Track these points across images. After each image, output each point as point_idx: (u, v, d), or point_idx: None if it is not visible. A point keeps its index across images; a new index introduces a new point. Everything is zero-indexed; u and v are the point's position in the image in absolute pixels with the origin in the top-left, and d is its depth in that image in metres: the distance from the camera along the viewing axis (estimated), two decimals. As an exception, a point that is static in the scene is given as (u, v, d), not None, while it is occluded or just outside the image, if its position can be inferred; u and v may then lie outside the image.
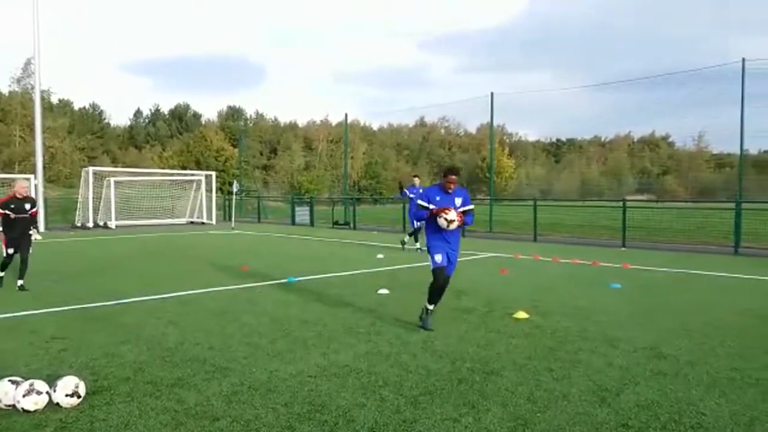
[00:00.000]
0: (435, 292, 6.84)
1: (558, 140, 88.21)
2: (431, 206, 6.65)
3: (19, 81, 50.04)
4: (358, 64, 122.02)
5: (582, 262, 13.34)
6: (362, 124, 72.98)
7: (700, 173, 68.92)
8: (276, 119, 77.23)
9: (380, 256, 14.47)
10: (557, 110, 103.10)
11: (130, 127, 73.21)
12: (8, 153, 47.37)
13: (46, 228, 24.00)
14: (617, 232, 17.97)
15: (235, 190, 28.03)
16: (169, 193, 31.66)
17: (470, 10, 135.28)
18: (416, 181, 16.20)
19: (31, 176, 23.37)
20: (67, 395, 4.36)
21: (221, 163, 56.32)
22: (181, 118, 71.69)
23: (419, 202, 6.80)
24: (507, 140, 77.81)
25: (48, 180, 37.94)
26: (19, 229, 9.57)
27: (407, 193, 15.70)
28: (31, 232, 9.78)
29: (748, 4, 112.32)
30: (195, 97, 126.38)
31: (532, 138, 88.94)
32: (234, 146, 57.91)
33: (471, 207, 6.81)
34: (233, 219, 27.52)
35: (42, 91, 31.06)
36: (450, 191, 6.69)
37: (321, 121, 74.80)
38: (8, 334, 6.62)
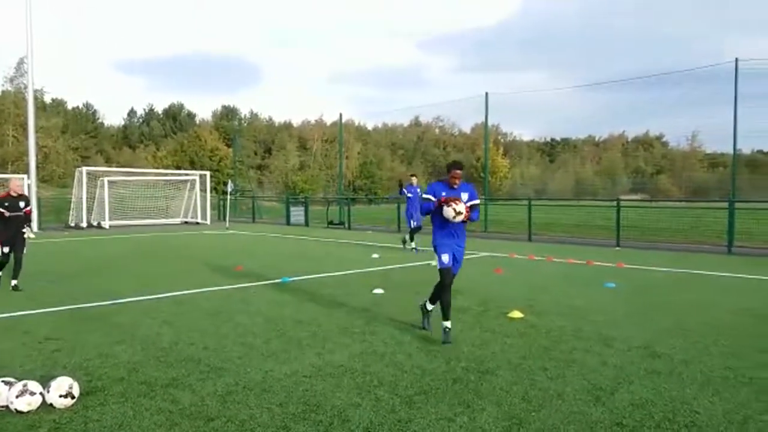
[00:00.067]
0: (440, 292, 6.52)
1: (552, 140, 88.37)
2: (442, 195, 6.33)
3: (12, 80, 49.81)
4: (353, 64, 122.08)
5: (576, 261, 13.38)
6: (357, 123, 73.02)
7: (693, 173, 69.21)
8: (270, 119, 77.13)
9: (375, 255, 14.47)
10: (551, 110, 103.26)
11: (124, 126, 72.93)
12: (1, 153, 47.11)
13: (40, 228, 23.90)
14: (612, 232, 18.02)
15: (229, 190, 27.98)
16: (164, 193, 31.59)
17: (465, 10, 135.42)
18: (413, 180, 16.24)
19: (24, 176, 23.25)
20: (60, 396, 4.34)
21: (216, 162, 56.19)
22: (176, 118, 71.46)
23: (425, 195, 6.49)
24: (501, 140, 77.85)
25: (41, 180, 37.82)
26: (13, 227, 9.53)
27: (405, 192, 15.73)
28: (24, 230, 9.74)
29: (742, 4, 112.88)
30: (189, 97, 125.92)
31: (526, 138, 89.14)
32: (228, 146, 57.77)
33: (477, 202, 6.60)
34: (228, 219, 27.47)
35: (35, 91, 30.97)
36: (455, 186, 6.46)
37: (316, 120, 74.76)
38: (2, 335, 6.59)
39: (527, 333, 6.64)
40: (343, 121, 32.59)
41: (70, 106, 65.02)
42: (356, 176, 64.58)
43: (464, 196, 6.45)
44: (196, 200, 30.39)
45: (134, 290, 9.36)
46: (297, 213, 29.17)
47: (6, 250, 9.54)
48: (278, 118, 79.02)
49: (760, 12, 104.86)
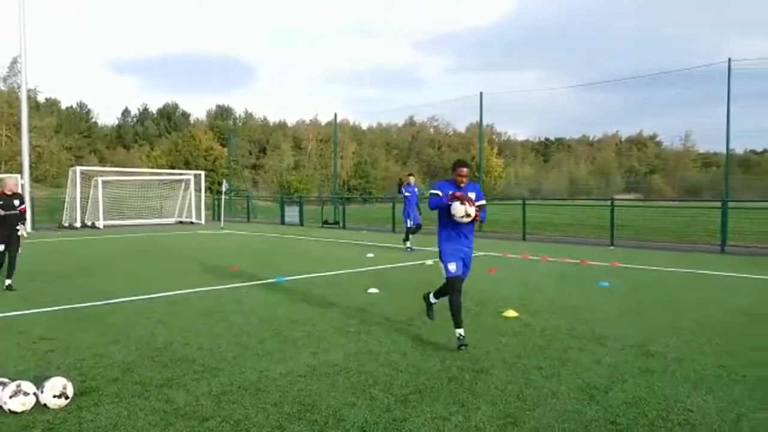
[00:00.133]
0: (449, 298, 6.14)
1: (546, 139, 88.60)
2: (452, 193, 5.96)
3: (5, 80, 49.48)
4: (348, 64, 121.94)
5: (571, 260, 13.41)
6: (351, 123, 72.93)
7: (686, 172, 69.52)
8: (265, 118, 76.93)
9: (370, 255, 14.48)
10: (546, 110, 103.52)
11: (118, 126, 72.61)
12: (-6, 152, 46.91)
13: (33, 228, 23.76)
14: (605, 231, 18.07)
15: (224, 189, 27.93)
16: (158, 192, 31.48)
17: (459, 10, 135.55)
18: (411, 179, 16.28)
19: (18, 176, 23.10)
20: (54, 396, 4.33)
21: (210, 162, 56.03)
22: (170, 118, 71.21)
23: (433, 191, 6.17)
24: (496, 139, 77.98)
25: (35, 180, 37.56)
26: (8, 226, 9.51)
27: (403, 191, 15.76)
28: (18, 227, 9.70)
29: (735, 4, 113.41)
30: (183, 97, 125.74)
31: (520, 137, 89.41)
32: (223, 146, 57.64)
33: (484, 202, 6.29)
34: (222, 219, 27.41)
35: (28, 90, 30.78)
36: (462, 185, 6.11)
37: (310, 120, 74.64)
38: (-5, 335, 6.56)
39: (522, 332, 6.66)
40: (338, 120, 32.57)
41: (63, 106, 64.72)
42: (351, 176, 64.56)
43: (471, 196, 6.12)
44: (190, 200, 30.32)
45: (128, 290, 9.33)
46: (292, 213, 29.13)
47: (1, 248, 9.50)
48: (273, 118, 78.94)
49: (754, 12, 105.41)
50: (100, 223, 26.01)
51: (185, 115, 73.24)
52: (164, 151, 59.81)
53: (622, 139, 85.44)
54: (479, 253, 14.89)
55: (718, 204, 17.01)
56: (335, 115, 31.96)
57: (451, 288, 6.12)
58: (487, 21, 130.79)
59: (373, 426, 4.05)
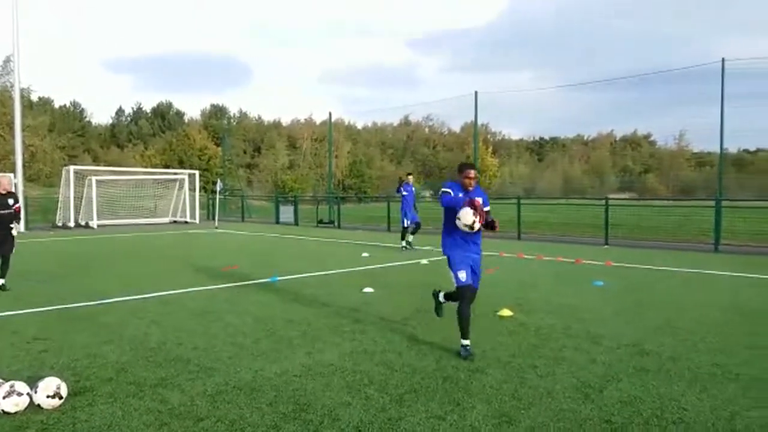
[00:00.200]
0: (458, 306, 5.83)
1: (541, 139, 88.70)
2: (471, 199, 5.65)
3: (-2, 79, 49.28)
4: (343, 63, 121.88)
5: (565, 259, 13.44)
6: (346, 122, 72.90)
7: (680, 172, 69.78)
8: (260, 118, 76.85)
9: (365, 254, 14.47)
10: (540, 109, 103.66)
11: (112, 125, 72.37)
12: (-13, 152, 46.65)
13: (27, 228, 23.66)
14: (600, 230, 18.12)
15: (218, 189, 27.87)
16: (152, 192, 31.38)
17: (455, 10, 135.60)
18: (410, 178, 16.33)
19: (11, 175, 23.00)
20: (48, 396, 4.31)
21: (204, 161, 55.88)
22: (164, 117, 71.02)
23: (445, 189, 5.81)
24: (491, 139, 78.01)
25: (28, 179, 37.39)
26: (2, 225, 9.46)
27: (402, 190, 15.80)
28: (12, 226, 9.66)
29: (728, 4, 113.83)
30: (178, 96, 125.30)
31: (515, 137, 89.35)
32: (217, 145, 57.50)
33: (489, 208, 6.00)
34: (217, 218, 27.35)
35: (21, 89, 30.62)
36: (471, 188, 5.83)
37: (305, 119, 74.57)
38: (-12, 336, 6.53)
39: (517, 331, 6.67)
40: (333, 120, 32.59)
41: (57, 105, 64.54)
42: (346, 175, 64.51)
43: (479, 201, 5.80)
44: (185, 199, 30.23)
45: (122, 290, 9.30)
46: (286, 212, 29.10)
47: None
48: (267, 117, 78.88)
49: (747, 13, 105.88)
50: (94, 223, 25.91)
51: (179, 115, 73.07)
52: (158, 150, 59.62)
53: (617, 139, 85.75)
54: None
55: (712, 203, 17.09)
56: (330, 114, 32.10)
57: (461, 297, 5.79)
58: (482, 20, 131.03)
59: (368, 425, 4.04)
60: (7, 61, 45.84)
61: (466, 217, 5.52)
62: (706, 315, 7.55)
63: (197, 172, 32.98)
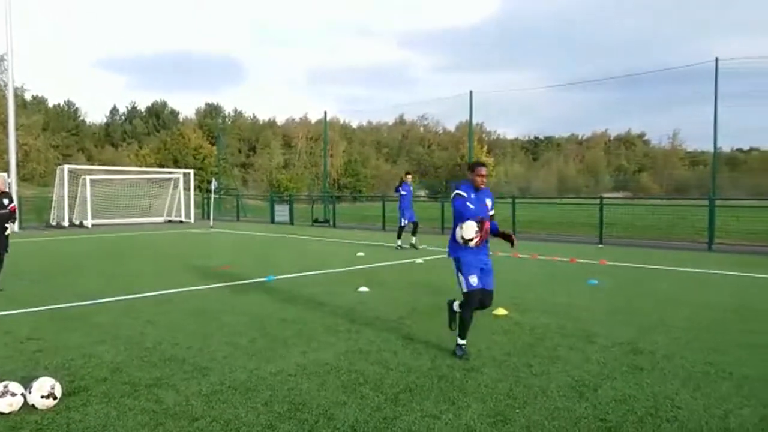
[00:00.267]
0: (465, 310, 5.68)
1: (536, 138, 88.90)
2: (481, 219, 5.49)
3: (-9, 77, 49.03)
4: (338, 62, 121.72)
5: (560, 258, 13.47)
6: (342, 122, 72.84)
7: (674, 171, 70.08)
8: (255, 117, 76.75)
9: (360, 253, 14.47)
10: (535, 109, 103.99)
11: (106, 124, 72.10)
12: (-20, 151, 46.41)
13: (21, 227, 23.57)
14: (594, 229, 18.17)
15: (213, 188, 27.80)
16: (147, 191, 31.27)
17: (450, 9, 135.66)
18: (409, 178, 16.35)
19: (4, 174, 22.90)
20: (42, 396, 4.29)
21: (199, 161, 55.75)
22: (159, 116, 70.79)
23: (460, 192, 5.60)
24: (486, 138, 78.13)
25: (22, 178, 37.26)
26: None
27: (400, 190, 15.82)
28: (7, 225, 9.61)
29: (723, 4, 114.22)
30: (172, 95, 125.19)
31: (510, 136, 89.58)
32: (212, 144, 57.39)
33: (494, 212, 5.87)
34: (212, 218, 27.30)
35: (15, 88, 30.50)
36: (482, 187, 5.69)
37: (300, 118, 74.52)
38: (-19, 336, 6.50)
39: (512, 330, 6.69)
40: (328, 119, 32.47)
41: (51, 104, 64.25)
42: (341, 174, 64.50)
43: (488, 202, 5.76)
44: (179, 199, 30.14)
45: (117, 290, 9.27)
46: (281, 211, 29.04)
47: None
48: (262, 116, 78.87)
49: (742, 13, 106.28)
50: (88, 222, 25.82)
51: (174, 114, 72.84)
52: (153, 149, 59.45)
53: (611, 138, 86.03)
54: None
55: (706, 202, 17.14)
56: (325, 113, 31.82)
57: (468, 301, 5.64)
58: (478, 19, 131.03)
59: (363, 425, 4.05)
60: (1, 60, 45.58)
61: (469, 230, 5.39)
62: (699, 314, 7.58)
63: (192, 172, 32.88)
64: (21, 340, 6.24)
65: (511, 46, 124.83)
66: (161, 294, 9.00)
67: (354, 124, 77.79)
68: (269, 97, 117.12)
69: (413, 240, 15.81)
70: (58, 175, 27.42)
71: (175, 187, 30.59)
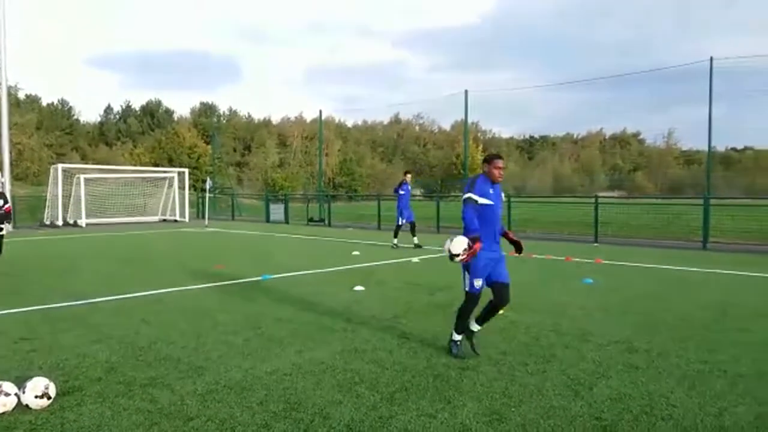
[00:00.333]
0: (465, 309, 5.62)
1: (531, 137, 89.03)
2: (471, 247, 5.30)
3: (-16, 76, 48.73)
4: (333, 61, 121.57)
5: (555, 257, 13.49)
6: (337, 121, 72.80)
7: (669, 170, 70.34)
8: (250, 116, 76.57)
9: (356, 252, 14.46)
10: (530, 107, 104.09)
11: (101, 123, 71.76)
12: (-27, 150, 46.13)
13: (14, 227, 23.46)
14: (590, 228, 18.21)
15: (208, 187, 27.74)
16: (141, 190, 31.19)
17: (446, 8, 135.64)
18: (408, 177, 16.35)
19: (-2, 174, 22.85)
20: (36, 396, 4.27)
21: (194, 160, 55.62)
22: (153, 115, 70.53)
23: (473, 196, 5.33)
24: (481, 137, 78.20)
25: (15, 178, 37.09)
26: None
27: (399, 190, 15.81)
28: (2, 226, 9.57)
29: (719, 4, 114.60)
30: (167, 94, 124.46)
31: (505, 135, 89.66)
32: (207, 143, 57.25)
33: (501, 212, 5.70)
34: (207, 217, 27.25)
35: (9, 87, 30.37)
36: (500, 180, 5.49)
37: (295, 117, 74.42)
38: (-25, 335, 6.46)
39: (507, 329, 6.69)
40: (323, 118, 32.46)
41: (44, 103, 63.95)
42: (336, 173, 64.47)
43: (503, 196, 5.64)
44: (174, 198, 30.08)
45: (111, 289, 9.23)
46: (277, 210, 29.02)
47: None
48: (257, 115, 78.63)
49: (736, 13, 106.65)
50: (83, 222, 25.74)
51: (169, 113, 72.59)
52: (147, 148, 59.26)
53: (606, 137, 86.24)
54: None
55: (700, 201, 17.21)
56: (320, 112, 32.01)
57: (470, 301, 5.60)
58: (474, 18, 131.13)
59: (359, 424, 4.04)
60: (-6, 58, 45.35)
61: (458, 245, 5.27)
62: (694, 312, 7.61)
63: (187, 171, 32.82)
64: (14, 340, 6.20)
65: (506, 45, 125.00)
66: (155, 293, 8.97)
67: (349, 123, 77.85)
68: (264, 96, 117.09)
69: (415, 240, 15.79)
70: (52, 174, 27.32)
71: (170, 186, 30.52)
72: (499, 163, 5.49)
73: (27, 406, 4.25)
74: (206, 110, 73.83)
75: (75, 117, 68.51)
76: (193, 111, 73.75)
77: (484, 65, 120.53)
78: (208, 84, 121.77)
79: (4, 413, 4.16)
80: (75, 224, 25.72)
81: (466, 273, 5.55)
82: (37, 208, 27.89)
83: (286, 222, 27.49)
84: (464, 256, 5.29)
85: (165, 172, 33.19)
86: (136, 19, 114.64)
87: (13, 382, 4.38)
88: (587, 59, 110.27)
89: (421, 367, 5.29)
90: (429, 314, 7.46)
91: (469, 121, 26.30)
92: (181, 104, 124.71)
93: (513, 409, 4.29)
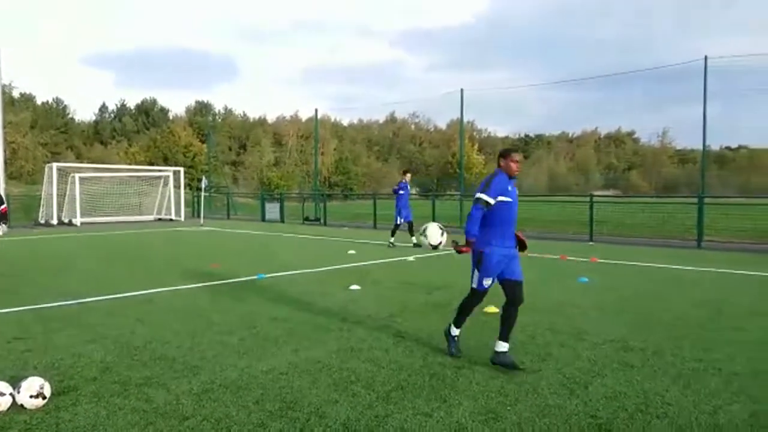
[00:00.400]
0: (467, 305, 5.62)
1: (526, 136, 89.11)
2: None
3: (-22, 75, 48.48)
4: (329, 60, 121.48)
5: (551, 256, 13.50)
6: (332, 119, 72.74)
7: (664, 169, 70.57)
8: (245, 114, 76.48)
9: (351, 251, 14.45)
10: (526, 106, 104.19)
11: (96, 122, 71.57)
12: (-33, 149, 45.95)
13: (9, 226, 23.35)
14: (585, 227, 18.25)
15: (203, 186, 27.69)
16: (137, 189, 31.11)
17: (442, 7, 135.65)
18: (407, 177, 16.36)
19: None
20: (31, 396, 4.26)
21: (189, 159, 55.56)
22: (148, 113, 70.35)
23: (480, 196, 5.25)
24: (477, 136, 78.28)
25: (9, 176, 36.95)
26: None
27: (398, 190, 15.81)
28: None
29: (716, 4, 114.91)
30: (162, 92, 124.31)
31: (501, 134, 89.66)
32: (202, 142, 57.17)
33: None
34: (202, 216, 27.20)
35: (3, 85, 30.23)
36: (516, 174, 5.45)
37: (291, 116, 74.37)
38: (-31, 335, 6.43)
39: (503, 328, 6.68)
40: (319, 117, 32.40)
41: (39, 101, 63.72)
42: (332, 172, 64.43)
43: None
44: (169, 197, 30.00)
45: (106, 288, 9.20)
46: (272, 209, 28.97)
47: None
48: (253, 114, 78.49)
49: (733, 13, 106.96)
50: (78, 221, 25.66)
51: (164, 111, 72.44)
52: (142, 147, 59.16)
53: (601, 136, 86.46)
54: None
55: (695, 200, 17.26)
56: (316, 111, 31.69)
57: (475, 297, 5.55)
58: (470, 17, 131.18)
59: (355, 423, 4.04)
60: (-12, 56, 45.14)
61: (434, 236, 5.31)
62: (688, 311, 7.63)
63: (182, 169, 32.74)
64: (9, 340, 6.18)
65: (501, 44, 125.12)
66: (151, 293, 8.95)
67: (345, 122, 77.80)
68: (260, 94, 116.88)
69: (414, 239, 15.79)
70: (46, 173, 27.22)
71: (165, 185, 30.45)
72: (516, 156, 5.43)
73: (22, 405, 4.23)
74: (201, 109, 73.71)
75: (70, 115, 68.35)
76: (188, 110, 73.67)
77: (480, 64, 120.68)
78: (203, 83, 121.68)
79: (-2, 413, 4.15)
80: (70, 223, 25.64)
81: (476, 270, 5.41)
82: (32, 207, 27.79)
83: (282, 221, 27.45)
84: (442, 244, 5.32)
85: (160, 171, 33.12)
86: (131, 18, 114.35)
87: (7, 381, 4.36)
88: (582, 59, 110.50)
89: (417, 366, 5.30)
90: (425, 313, 7.47)
91: (465, 120, 26.30)
92: (177, 103, 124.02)
93: (509, 408, 4.30)
